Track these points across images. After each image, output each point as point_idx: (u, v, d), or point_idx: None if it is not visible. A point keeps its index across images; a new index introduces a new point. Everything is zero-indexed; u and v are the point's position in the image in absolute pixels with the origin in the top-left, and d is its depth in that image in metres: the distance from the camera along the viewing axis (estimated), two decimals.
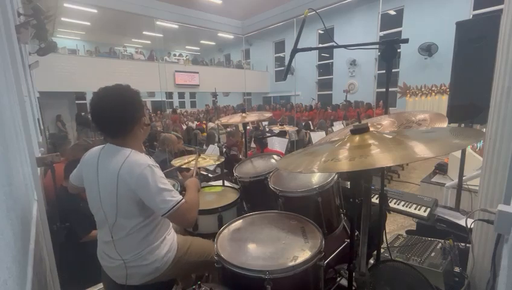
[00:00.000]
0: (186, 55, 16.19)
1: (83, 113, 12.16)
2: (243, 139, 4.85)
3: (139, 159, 1.11)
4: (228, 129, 5.76)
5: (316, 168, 0.81)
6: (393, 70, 1.25)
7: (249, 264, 1.03)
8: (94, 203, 1.17)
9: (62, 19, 10.42)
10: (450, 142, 0.76)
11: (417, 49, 9.31)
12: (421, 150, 0.70)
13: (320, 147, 1.00)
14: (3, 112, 1.12)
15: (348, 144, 0.85)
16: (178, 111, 15.19)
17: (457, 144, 0.74)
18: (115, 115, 1.11)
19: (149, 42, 15.21)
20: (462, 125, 2.11)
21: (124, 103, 1.12)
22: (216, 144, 3.88)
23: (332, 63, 12.99)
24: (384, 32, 10.58)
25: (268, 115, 2.50)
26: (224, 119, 2.37)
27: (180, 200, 1.12)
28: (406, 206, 2.05)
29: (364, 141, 0.83)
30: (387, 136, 0.85)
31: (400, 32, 10.16)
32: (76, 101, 11.65)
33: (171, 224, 1.35)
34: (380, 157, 0.73)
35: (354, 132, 0.88)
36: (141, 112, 1.18)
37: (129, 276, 1.17)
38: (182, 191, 2.20)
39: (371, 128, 0.90)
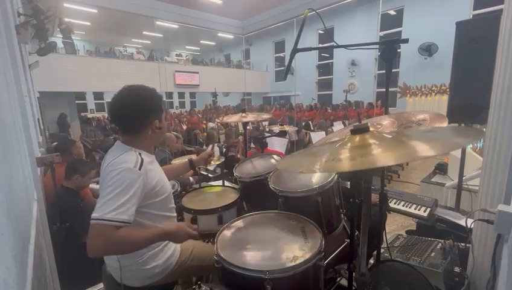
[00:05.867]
0: (186, 55, 16.19)
1: (82, 114, 12.16)
2: (241, 139, 4.87)
3: (125, 159, 1.07)
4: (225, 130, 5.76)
5: (318, 168, 0.81)
6: (393, 70, 1.25)
7: (249, 264, 1.03)
8: None
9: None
10: (451, 141, 0.76)
11: (417, 49, 9.30)
12: (422, 149, 0.70)
13: (321, 148, 1.00)
14: (3, 112, 1.12)
15: (349, 144, 0.85)
16: (178, 111, 15.20)
17: (458, 142, 0.74)
18: (129, 111, 1.13)
19: (149, 42, 15.21)
20: (462, 125, 2.11)
21: (140, 103, 1.14)
22: (216, 144, 3.88)
23: (332, 63, 12.99)
24: (384, 32, 10.57)
25: (266, 116, 2.51)
26: (223, 119, 2.37)
27: (106, 219, 0.93)
28: (406, 206, 2.05)
29: (365, 141, 0.83)
30: (387, 135, 0.85)
31: (400, 32, 10.15)
32: (77, 101, 11.65)
33: None
34: (382, 156, 0.73)
35: (354, 132, 0.88)
36: (155, 115, 1.18)
37: (129, 278, 1.18)
38: (182, 191, 2.21)
39: (371, 129, 0.90)
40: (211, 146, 1.93)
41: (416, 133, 0.92)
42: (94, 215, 0.95)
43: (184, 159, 2.15)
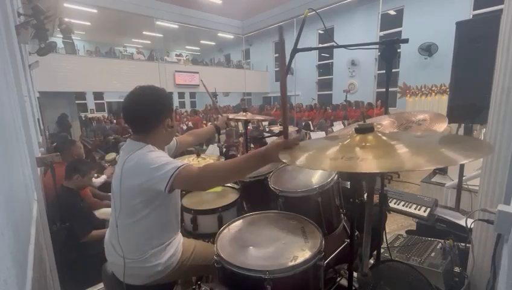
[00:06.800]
0: (186, 55, 16.19)
1: (82, 115, 12.14)
2: (241, 139, 4.86)
3: (143, 152, 1.12)
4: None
5: (335, 166, 0.77)
6: (393, 70, 1.25)
7: (249, 264, 1.02)
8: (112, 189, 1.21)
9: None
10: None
11: (417, 49, 9.30)
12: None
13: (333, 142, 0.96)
14: (3, 112, 1.12)
15: (355, 144, 0.83)
16: (178, 111, 15.19)
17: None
18: (142, 111, 1.16)
19: (149, 42, 15.21)
20: (462, 125, 2.11)
21: (152, 102, 1.17)
22: (216, 144, 3.89)
23: (332, 63, 12.99)
24: (384, 32, 10.57)
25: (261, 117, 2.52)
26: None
27: (178, 167, 1.03)
28: (406, 206, 2.05)
29: (369, 141, 0.81)
30: (387, 139, 0.83)
31: (400, 32, 10.15)
32: (76, 101, 11.64)
33: (179, 227, 1.35)
34: (410, 158, 0.71)
35: (359, 131, 0.87)
36: (167, 114, 1.21)
37: (129, 277, 1.18)
38: (182, 191, 2.21)
39: None
40: (220, 116, 2.04)
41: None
42: (164, 184, 1.02)
43: (184, 159, 2.15)
